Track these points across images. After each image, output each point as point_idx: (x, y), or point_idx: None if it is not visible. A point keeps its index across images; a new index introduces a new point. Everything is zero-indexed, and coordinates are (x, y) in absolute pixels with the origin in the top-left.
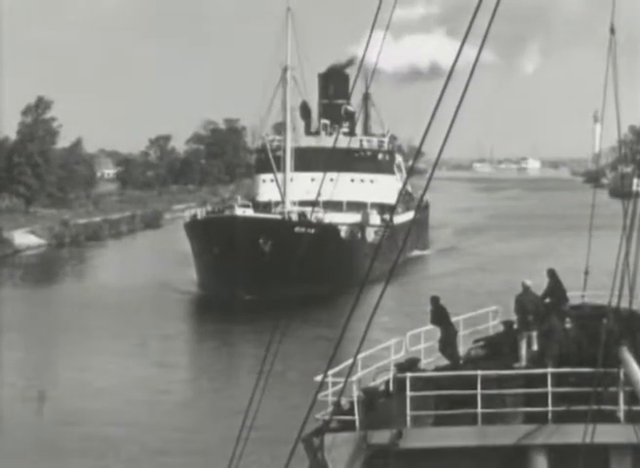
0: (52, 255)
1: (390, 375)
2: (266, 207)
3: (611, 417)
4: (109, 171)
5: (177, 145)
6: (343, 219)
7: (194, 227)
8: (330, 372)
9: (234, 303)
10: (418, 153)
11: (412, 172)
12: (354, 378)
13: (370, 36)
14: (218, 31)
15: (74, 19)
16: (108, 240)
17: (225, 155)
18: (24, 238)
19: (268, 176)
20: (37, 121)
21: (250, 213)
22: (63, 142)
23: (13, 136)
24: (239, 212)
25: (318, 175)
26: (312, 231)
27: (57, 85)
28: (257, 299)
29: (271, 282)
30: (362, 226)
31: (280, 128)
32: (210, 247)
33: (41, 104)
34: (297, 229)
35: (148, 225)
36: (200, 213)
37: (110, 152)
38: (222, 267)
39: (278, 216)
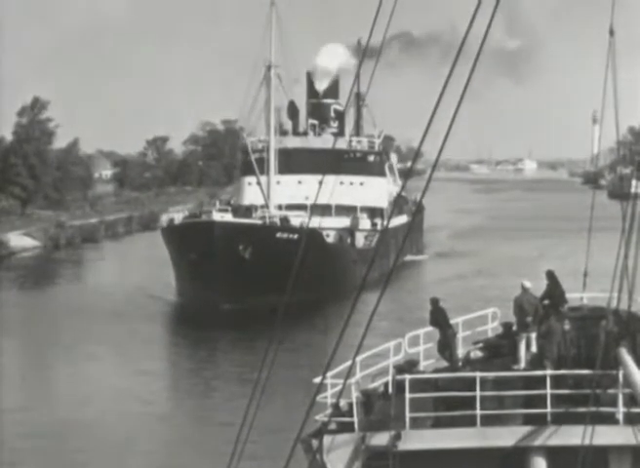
0: (47, 258)
1: (389, 377)
2: (248, 211)
3: (610, 419)
4: (107, 171)
5: (174, 146)
6: (332, 224)
7: (171, 233)
8: (329, 374)
9: (213, 313)
10: (416, 155)
11: (410, 173)
12: (353, 380)
13: (371, 32)
14: (217, 31)
15: (73, 20)
16: (104, 241)
17: (223, 156)
18: (20, 240)
19: (253, 179)
20: (33, 122)
21: (228, 217)
22: (61, 143)
23: (9, 136)
24: (217, 216)
25: (305, 178)
26: (295, 237)
27: (55, 85)
28: (236, 308)
29: (251, 290)
30: (351, 231)
31: (280, 129)
32: (187, 253)
33: (37, 105)
34: (278, 235)
35: (145, 227)
36: (177, 217)
37: (108, 153)
38: (200, 275)
39: (259, 221)
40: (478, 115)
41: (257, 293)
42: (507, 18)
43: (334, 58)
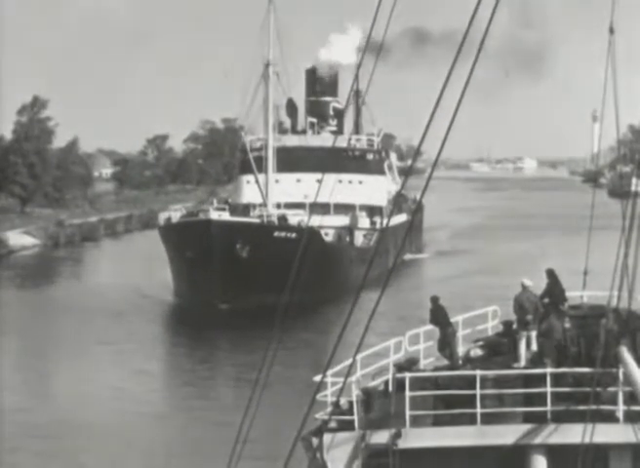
0: (46, 256)
1: (389, 375)
2: (245, 210)
3: (610, 417)
4: (107, 170)
5: (174, 145)
6: (331, 222)
7: (168, 231)
8: (329, 373)
9: (210, 312)
10: (416, 153)
11: (410, 171)
12: (353, 378)
13: (371, 31)
14: (217, 30)
15: (73, 19)
16: (104, 240)
17: (223, 155)
18: (19, 238)
19: (251, 178)
20: (33, 120)
21: (226, 216)
22: (61, 142)
23: (9, 135)
24: (214, 215)
25: (304, 176)
26: (293, 235)
27: (56, 84)
28: (234, 308)
29: (249, 289)
30: (350, 230)
31: (279, 127)
32: (184, 252)
33: (37, 104)
34: (276, 234)
35: (145, 225)
36: (174, 216)
37: (108, 151)
38: (197, 274)
39: (256, 220)
40: (486, 114)
41: (254, 293)
42: (520, 15)
43: (341, 51)
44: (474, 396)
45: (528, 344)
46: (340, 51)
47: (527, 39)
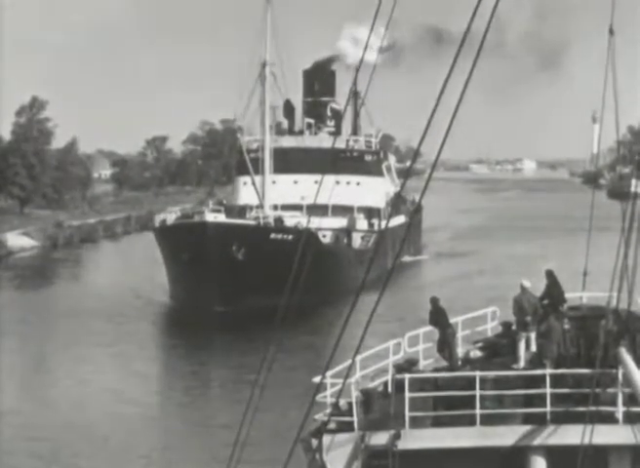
0: (45, 257)
1: (389, 376)
2: (242, 211)
3: (609, 418)
4: (106, 171)
5: (173, 146)
6: (328, 224)
7: (163, 233)
8: (328, 374)
9: (206, 314)
10: (416, 154)
11: (410, 173)
12: (353, 379)
13: (370, 33)
14: (216, 31)
15: (73, 21)
16: (103, 241)
17: (222, 156)
18: (18, 239)
19: (248, 179)
20: (31, 121)
21: (222, 218)
22: (60, 143)
23: (7, 136)
24: (210, 217)
25: (301, 178)
26: (289, 237)
27: (55, 85)
28: (230, 310)
29: (245, 292)
30: (348, 232)
31: (278, 128)
32: (179, 254)
33: (35, 104)
34: (272, 236)
35: (144, 227)
36: (169, 218)
37: (107, 153)
38: (192, 277)
39: (252, 222)
40: (486, 115)
41: (250, 295)
42: (534, 17)
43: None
44: (474, 397)
45: (527, 345)
46: (362, 46)
47: (544, 39)
